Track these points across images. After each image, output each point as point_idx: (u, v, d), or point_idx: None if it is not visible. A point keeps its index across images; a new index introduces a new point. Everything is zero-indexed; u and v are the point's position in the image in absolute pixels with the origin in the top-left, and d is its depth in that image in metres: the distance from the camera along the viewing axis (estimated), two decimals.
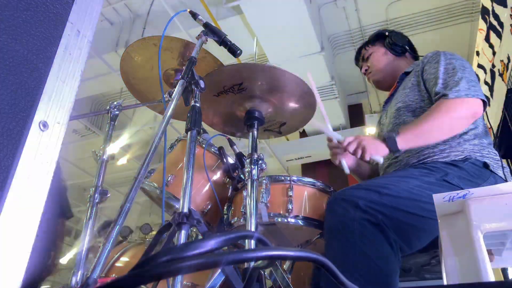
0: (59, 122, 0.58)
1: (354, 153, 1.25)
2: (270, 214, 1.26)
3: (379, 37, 1.72)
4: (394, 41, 1.65)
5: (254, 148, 1.30)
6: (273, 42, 4.31)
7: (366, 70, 1.72)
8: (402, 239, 1.06)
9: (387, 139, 1.22)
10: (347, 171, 1.38)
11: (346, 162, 1.38)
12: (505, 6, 3.05)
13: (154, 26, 4.57)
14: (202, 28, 1.37)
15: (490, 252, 0.95)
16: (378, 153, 1.22)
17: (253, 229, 1.11)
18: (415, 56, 1.70)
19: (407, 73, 1.55)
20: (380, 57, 1.68)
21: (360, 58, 1.77)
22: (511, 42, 3.03)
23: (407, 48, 1.66)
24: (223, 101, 1.41)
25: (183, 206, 1.00)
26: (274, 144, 5.90)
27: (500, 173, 1.23)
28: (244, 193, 1.34)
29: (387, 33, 1.69)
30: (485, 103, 1.26)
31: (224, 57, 1.54)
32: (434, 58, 1.41)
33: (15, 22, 0.54)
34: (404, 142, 1.22)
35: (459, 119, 1.23)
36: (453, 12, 4.56)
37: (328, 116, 1.40)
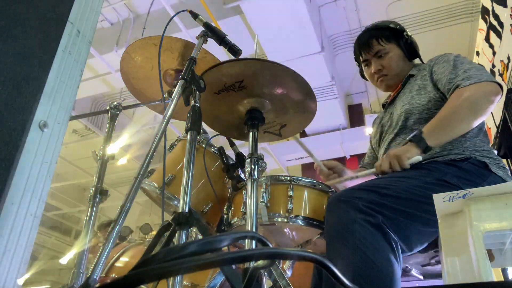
0: (59, 122, 0.58)
1: (392, 168, 1.20)
2: (270, 214, 1.26)
3: (394, 34, 1.56)
4: (412, 47, 1.56)
5: (254, 148, 1.30)
6: (273, 42, 4.31)
7: (379, 70, 1.55)
8: (402, 240, 1.06)
9: (414, 138, 1.19)
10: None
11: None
12: (505, 6, 3.05)
13: (154, 26, 4.57)
14: (202, 28, 1.37)
15: (490, 252, 0.95)
16: (412, 155, 1.18)
17: (253, 229, 1.11)
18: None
19: (411, 76, 1.54)
20: (399, 61, 1.54)
21: (371, 51, 1.56)
22: (511, 42, 3.03)
23: (419, 54, 1.59)
24: (224, 99, 1.41)
25: (183, 206, 1.00)
26: (274, 144, 5.90)
27: (500, 173, 1.23)
28: (244, 193, 1.34)
29: (405, 34, 1.55)
30: (501, 86, 1.24)
31: (224, 57, 1.54)
32: (442, 59, 1.41)
33: (15, 22, 0.54)
34: (433, 137, 1.18)
35: (479, 102, 1.21)
36: (453, 12, 4.56)
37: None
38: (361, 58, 1.62)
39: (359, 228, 1.01)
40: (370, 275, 0.96)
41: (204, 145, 1.50)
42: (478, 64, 1.41)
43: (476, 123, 1.22)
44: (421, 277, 1.53)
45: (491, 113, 3.42)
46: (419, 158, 1.18)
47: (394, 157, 1.19)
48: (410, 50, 1.57)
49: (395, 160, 1.19)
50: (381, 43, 1.54)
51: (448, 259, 0.80)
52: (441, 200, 0.83)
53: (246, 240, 1.08)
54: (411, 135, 1.21)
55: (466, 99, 1.20)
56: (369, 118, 5.24)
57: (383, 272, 0.97)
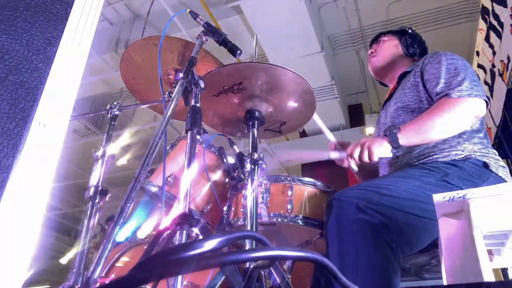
0: (59, 122, 0.58)
1: (360, 157, 1.25)
2: (270, 214, 1.26)
3: (400, 32, 1.72)
4: (410, 41, 1.66)
5: (254, 148, 1.30)
6: (273, 42, 4.31)
7: (372, 52, 1.72)
8: (402, 240, 1.06)
9: (389, 135, 1.23)
10: (355, 169, 1.41)
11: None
12: (505, 6, 3.05)
13: (154, 26, 4.57)
14: (202, 28, 1.37)
15: (490, 252, 0.95)
16: (383, 150, 1.23)
17: (253, 229, 1.11)
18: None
19: (406, 73, 1.55)
20: (390, 46, 1.68)
21: (375, 42, 1.75)
22: (511, 42, 3.03)
23: (417, 52, 1.67)
24: (223, 101, 1.41)
25: (183, 206, 1.00)
26: (274, 144, 5.90)
27: (500, 173, 1.23)
28: (244, 193, 1.34)
29: (409, 31, 1.70)
30: (487, 103, 1.26)
31: (224, 57, 1.54)
32: (435, 59, 1.41)
33: (15, 22, 0.54)
34: (406, 138, 1.22)
35: (461, 119, 1.23)
36: (453, 12, 4.56)
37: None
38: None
39: (359, 227, 1.01)
40: (370, 275, 0.96)
41: (204, 145, 1.50)
42: (480, 65, 1.42)
43: (451, 135, 1.26)
44: (421, 277, 1.53)
45: (491, 113, 3.42)
46: (389, 155, 1.24)
47: (366, 148, 1.23)
48: (410, 43, 1.65)
49: (366, 152, 1.23)
50: (385, 35, 1.72)
51: (448, 259, 0.80)
52: (441, 200, 0.83)
53: (246, 240, 1.08)
54: (388, 131, 1.25)
55: (448, 113, 1.22)
56: (369, 118, 5.23)
57: (383, 272, 0.97)
